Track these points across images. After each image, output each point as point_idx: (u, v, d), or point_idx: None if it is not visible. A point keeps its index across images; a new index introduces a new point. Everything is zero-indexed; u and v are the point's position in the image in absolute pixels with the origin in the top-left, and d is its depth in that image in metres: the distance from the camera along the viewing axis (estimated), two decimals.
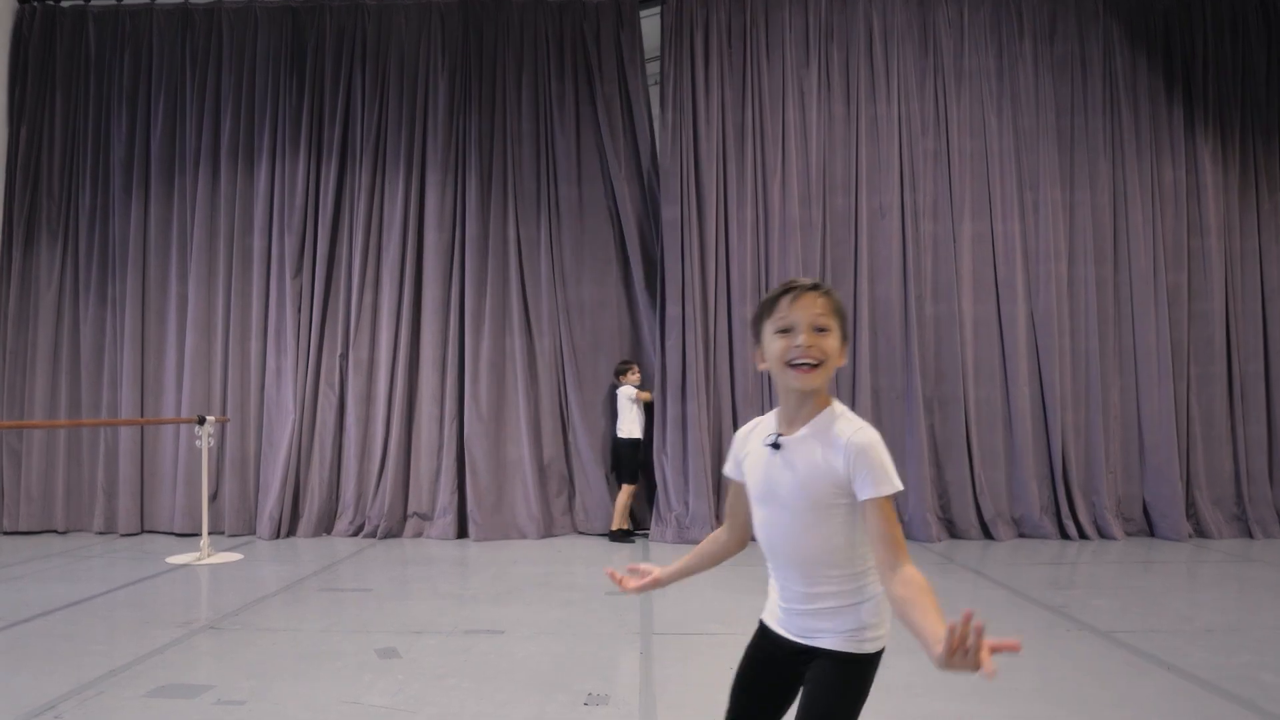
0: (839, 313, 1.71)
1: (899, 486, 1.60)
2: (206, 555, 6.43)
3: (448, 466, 7.44)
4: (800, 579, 1.72)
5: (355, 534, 7.41)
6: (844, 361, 1.71)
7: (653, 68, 7.78)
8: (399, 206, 7.65)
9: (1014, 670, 3.67)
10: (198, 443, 6.59)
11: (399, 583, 5.61)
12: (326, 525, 7.52)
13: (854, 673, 1.69)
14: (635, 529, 7.34)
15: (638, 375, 7.34)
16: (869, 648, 1.69)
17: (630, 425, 7.19)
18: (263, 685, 3.53)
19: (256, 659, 3.89)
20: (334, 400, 7.62)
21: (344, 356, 7.66)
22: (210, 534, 7.29)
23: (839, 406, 1.71)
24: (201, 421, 6.53)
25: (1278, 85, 7.66)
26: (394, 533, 7.39)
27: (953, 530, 7.23)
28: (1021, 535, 7.25)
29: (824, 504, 1.66)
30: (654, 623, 4.53)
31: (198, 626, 4.45)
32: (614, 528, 7.13)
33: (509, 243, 7.65)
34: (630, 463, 7.18)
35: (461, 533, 7.40)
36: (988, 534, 7.18)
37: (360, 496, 7.50)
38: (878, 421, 7.36)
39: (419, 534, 7.43)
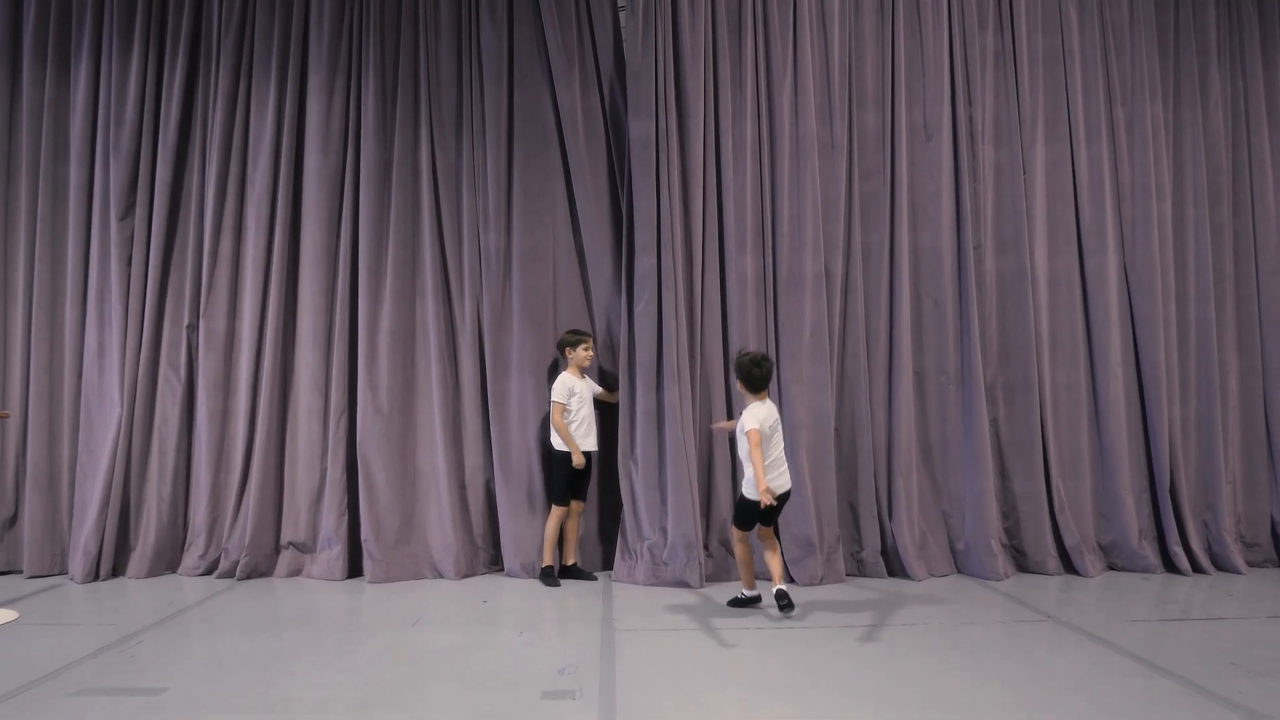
0: None
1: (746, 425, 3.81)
2: None
3: (335, 479, 5.42)
4: None
5: (208, 572, 5.42)
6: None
7: None
8: (270, 121, 5.59)
9: None
10: None
11: (226, 670, 3.58)
12: (169, 561, 5.50)
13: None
14: (573, 565, 5.37)
15: (588, 353, 5.36)
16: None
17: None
18: None
19: None
20: (179, 388, 5.57)
21: (192, 328, 5.62)
22: (2, 575, 5.28)
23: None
24: None
25: None
26: (261, 570, 5.38)
27: (1022, 563, 5.39)
28: (1112, 568, 5.44)
29: None
30: None
31: None
32: (544, 564, 5.22)
33: (421, 172, 5.63)
34: (560, 479, 5.23)
35: (355, 570, 5.39)
36: (1069, 567, 5.34)
37: (215, 521, 5.47)
38: (921, 413, 5.51)
39: (296, 571, 5.41)
